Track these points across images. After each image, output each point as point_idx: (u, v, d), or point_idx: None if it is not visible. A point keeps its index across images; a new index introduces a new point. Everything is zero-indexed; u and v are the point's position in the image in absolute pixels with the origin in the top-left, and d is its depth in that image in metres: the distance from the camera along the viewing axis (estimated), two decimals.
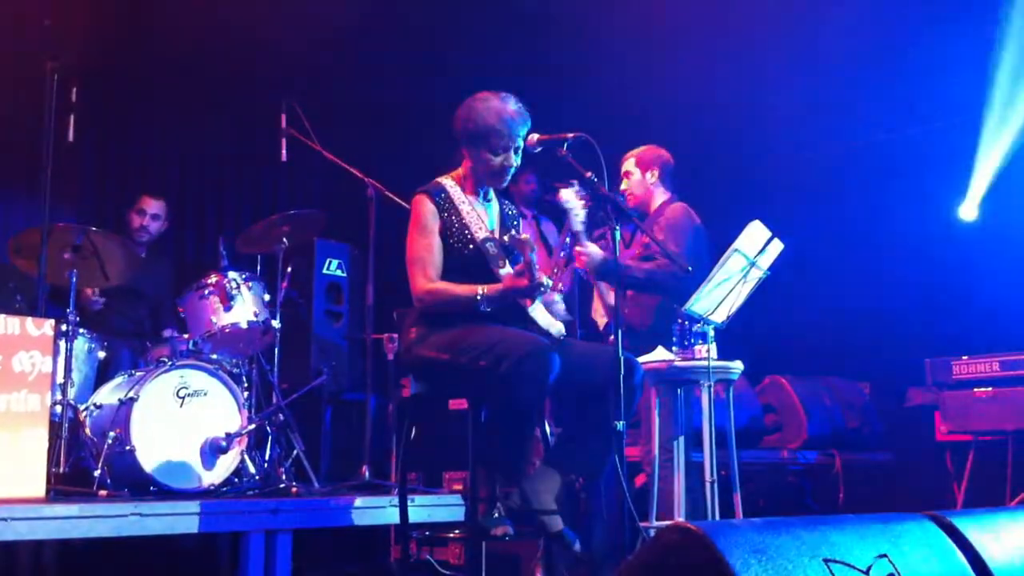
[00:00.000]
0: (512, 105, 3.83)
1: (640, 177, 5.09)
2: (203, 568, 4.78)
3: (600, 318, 5.32)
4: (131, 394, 4.61)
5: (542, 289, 3.64)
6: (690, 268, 4.21)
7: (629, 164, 5.12)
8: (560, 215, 6.28)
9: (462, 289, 3.71)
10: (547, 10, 6.82)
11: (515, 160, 3.85)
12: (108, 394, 4.83)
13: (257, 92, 6.46)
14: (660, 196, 5.07)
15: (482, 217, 3.87)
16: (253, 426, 4.98)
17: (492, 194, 4.01)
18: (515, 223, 4.05)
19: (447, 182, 3.91)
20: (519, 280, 3.59)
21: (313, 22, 7.00)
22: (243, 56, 6.61)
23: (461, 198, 3.87)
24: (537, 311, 3.74)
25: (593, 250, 4.58)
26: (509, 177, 3.90)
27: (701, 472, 4.39)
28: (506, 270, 3.76)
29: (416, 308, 3.82)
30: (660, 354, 4.47)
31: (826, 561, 2.03)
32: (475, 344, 3.56)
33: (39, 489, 4.07)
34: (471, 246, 3.79)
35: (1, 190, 6.37)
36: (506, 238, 3.85)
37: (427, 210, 3.81)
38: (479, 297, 3.65)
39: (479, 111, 3.83)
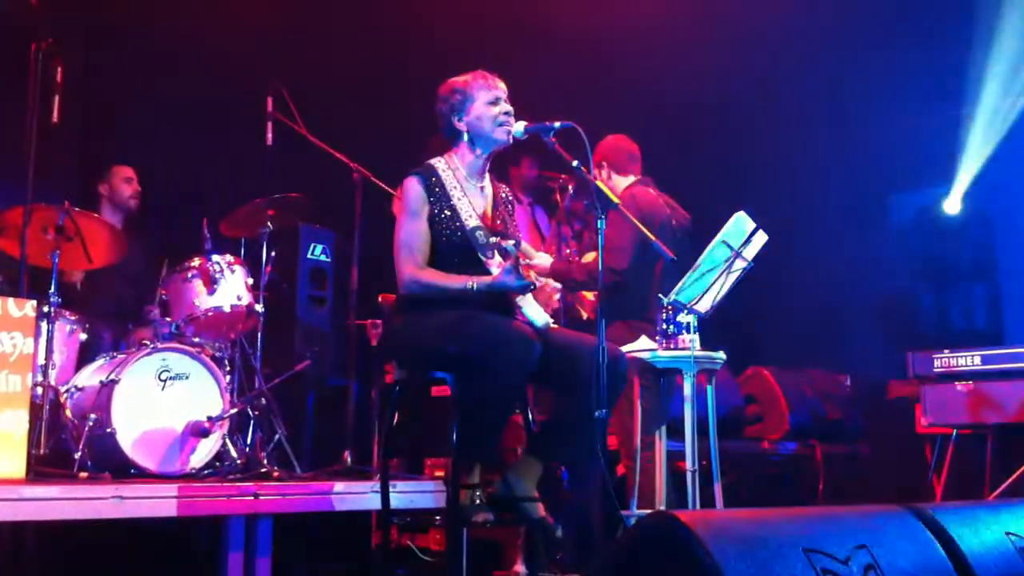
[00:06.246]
0: (481, 70, 3.94)
1: (598, 175, 5.07)
2: (183, 551, 4.76)
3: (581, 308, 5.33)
4: (112, 376, 4.58)
5: (531, 287, 3.65)
6: (675, 257, 4.21)
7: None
8: (550, 203, 6.31)
9: (451, 282, 3.70)
10: None
11: (511, 109, 3.88)
12: (89, 376, 4.81)
13: (243, 75, 6.42)
14: (620, 185, 5.05)
15: (473, 203, 3.86)
16: (235, 410, 4.96)
17: (487, 178, 3.99)
18: (509, 210, 4.04)
19: (440, 165, 3.89)
20: (507, 277, 3.60)
21: (300, 3, 6.99)
22: (229, 39, 6.57)
23: (453, 183, 3.85)
24: (526, 301, 3.75)
25: (540, 262, 4.60)
26: (513, 128, 3.86)
27: (681, 461, 4.41)
28: (495, 260, 3.76)
29: (402, 294, 3.81)
30: (643, 343, 4.48)
31: (806, 551, 2.04)
32: (459, 331, 3.57)
33: (19, 470, 4.05)
34: (459, 233, 3.78)
35: None
36: (492, 239, 3.81)
37: (417, 194, 3.80)
38: (469, 288, 3.65)
39: (458, 80, 3.92)
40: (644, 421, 4.55)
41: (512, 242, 3.67)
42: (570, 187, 5.99)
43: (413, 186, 3.82)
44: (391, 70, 7.26)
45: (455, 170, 3.89)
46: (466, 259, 3.77)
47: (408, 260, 3.75)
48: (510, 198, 4.10)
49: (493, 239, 3.73)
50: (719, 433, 4.52)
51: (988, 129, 6.74)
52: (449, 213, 3.79)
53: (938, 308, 6.71)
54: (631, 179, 5.05)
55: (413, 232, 3.78)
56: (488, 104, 3.86)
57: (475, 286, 3.66)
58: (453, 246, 3.78)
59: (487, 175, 3.99)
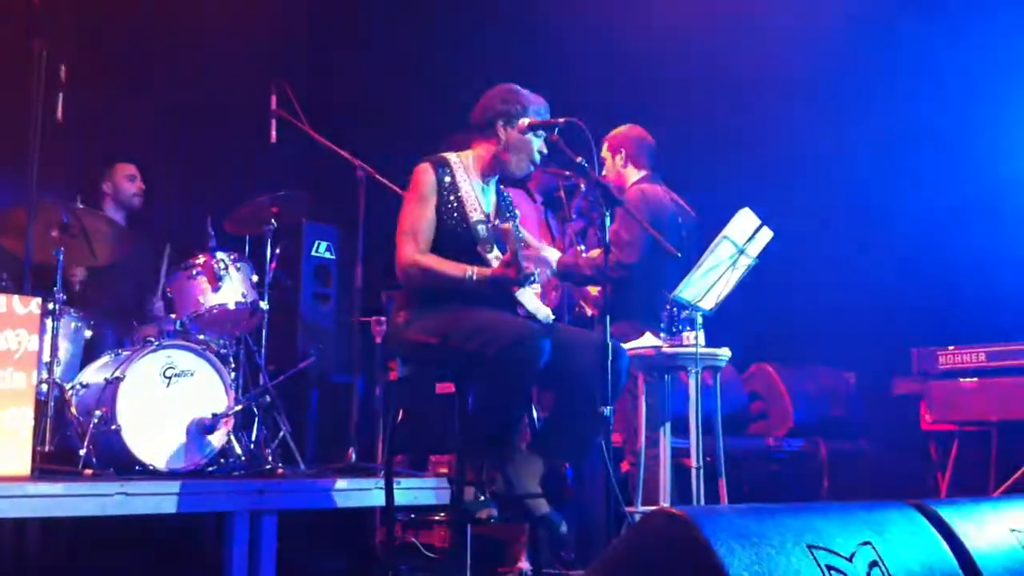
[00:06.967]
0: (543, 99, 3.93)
1: (612, 161, 5.06)
2: (188, 548, 4.78)
3: (585, 305, 5.33)
4: (117, 373, 4.59)
5: (531, 280, 3.65)
6: (679, 255, 4.20)
7: (604, 150, 5.08)
8: (554, 200, 6.30)
9: (451, 268, 3.70)
10: None
11: (546, 152, 3.91)
12: (94, 373, 4.81)
13: (247, 72, 6.43)
14: (631, 177, 5.03)
15: (479, 199, 3.87)
16: (240, 407, 4.97)
17: (493, 181, 3.99)
18: (509, 213, 4.04)
19: (453, 158, 3.90)
20: (507, 270, 3.59)
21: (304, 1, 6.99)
22: (233, 36, 6.58)
23: (463, 177, 3.86)
24: (526, 295, 3.75)
25: (547, 255, 4.59)
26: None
27: (686, 458, 4.40)
28: (493, 254, 3.76)
29: (405, 291, 3.81)
30: (648, 340, 4.48)
31: (810, 547, 2.04)
32: (465, 327, 3.57)
33: (24, 467, 4.06)
34: (463, 225, 3.78)
35: None
36: (495, 222, 3.83)
37: (428, 181, 3.80)
38: (467, 277, 3.65)
39: (523, 93, 3.88)
40: (648, 418, 4.55)
41: (508, 225, 3.67)
42: (582, 184, 5.98)
43: (426, 172, 3.82)
44: (394, 67, 7.26)
45: (466, 167, 3.91)
46: (466, 251, 3.77)
47: (410, 243, 3.75)
48: (510, 202, 4.10)
49: (493, 229, 3.74)
50: (724, 430, 4.52)
51: (991, 124, 6.73)
52: (455, 204, 3.80)
53: (942, 304, 6.68)
54: (643, 173, 5.04)
55: (419, 216, 3.78)
56: (536, 135, 3.87)
57: (474, 276, 3.65)
58: (455, 237, 3.78)
59: (493, 178, 4.00)
